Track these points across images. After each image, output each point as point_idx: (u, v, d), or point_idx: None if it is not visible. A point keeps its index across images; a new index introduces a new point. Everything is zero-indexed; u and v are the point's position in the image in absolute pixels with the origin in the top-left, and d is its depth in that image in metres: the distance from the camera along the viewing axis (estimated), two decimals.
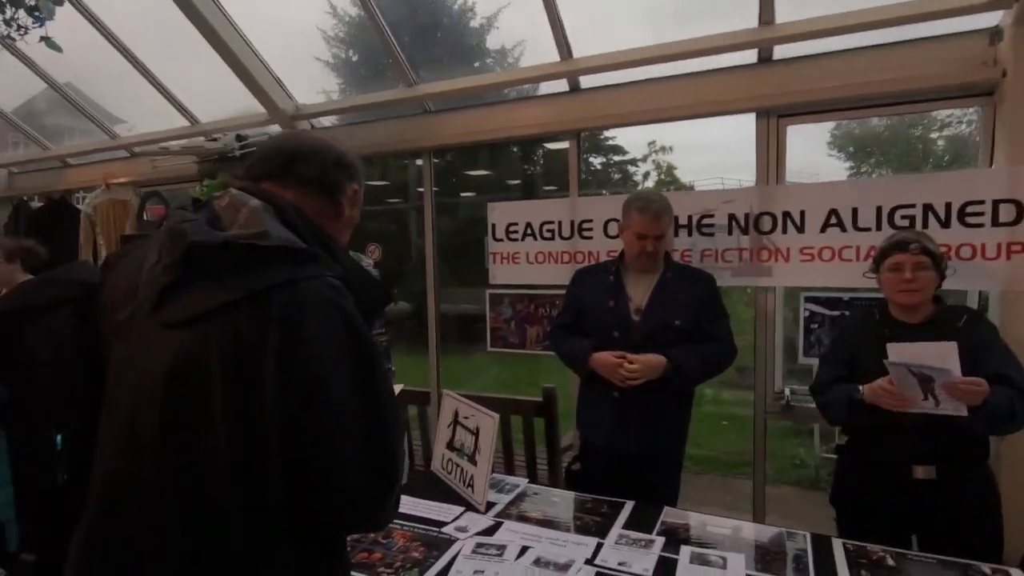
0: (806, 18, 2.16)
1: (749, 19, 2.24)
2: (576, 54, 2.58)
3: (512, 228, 2.77)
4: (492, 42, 6.99)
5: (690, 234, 2.38)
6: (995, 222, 1.91)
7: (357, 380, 0.78)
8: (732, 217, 2.30)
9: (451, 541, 1.56)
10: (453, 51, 6.29)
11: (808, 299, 2.31)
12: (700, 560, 1.44)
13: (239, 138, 3.16)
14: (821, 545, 1.52)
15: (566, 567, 1.42)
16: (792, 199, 2.20)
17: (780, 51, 2.28)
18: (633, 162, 10.70)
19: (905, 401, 1.56)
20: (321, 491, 0.78)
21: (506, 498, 1.85)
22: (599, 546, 1.52)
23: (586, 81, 2.68)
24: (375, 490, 0.81)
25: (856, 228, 2.09)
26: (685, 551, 1.48)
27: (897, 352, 1.53)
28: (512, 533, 1.61)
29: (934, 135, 8.69)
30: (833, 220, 2.12)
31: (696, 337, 1.94)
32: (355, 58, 7.14)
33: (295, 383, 0.74)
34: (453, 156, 7.40)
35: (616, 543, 1.54)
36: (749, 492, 2.53)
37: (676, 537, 1.57)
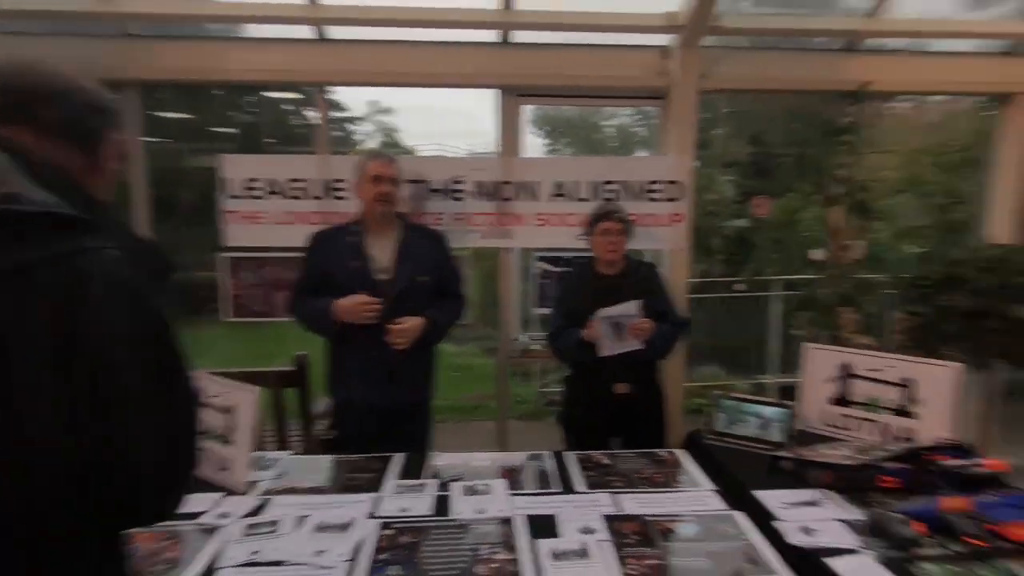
0: (543, 9, 2.45)
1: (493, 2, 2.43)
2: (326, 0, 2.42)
3: (252, 185, 2.50)
4: None
5: (444, 198, 2.53)
6: (666, 198, 2.52)
7: (151, 367, 0.67)
8: (480, 184, 2.52)
9: (213, 530, 1.43)
10: None
11: (539, 258, 2.70)
12: (470, 491, 1.63)
13: None
14: (560, 459, 1.86)
15: (347, 526, 1.45)
16: (529, 171, 2.52)
17: (520, 36, 2.55)
18: (352, 120, 10.48)
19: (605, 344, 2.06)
20: (112, 484, 0.66)
21: (268, 474, 1.76)
22: (377, 500, 1.58)
23: (335, 32, 2.54)
24: (170, 480, 0.72)
25: (576, 199, 2.52)
26: (456, 487, 1.65)
27: (602, 312, 2.03)
28: (284, 507, 1.55)
29: (603, 123, 10.81)
30: (559, 191, 2.52)
31: (437, 292, 2.11)
32: None
33: (78, 378, 0.62)
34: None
35: (393, 494, 1.62)
36: (487, 432, 2.88)
37: (445, 477, 1.73)
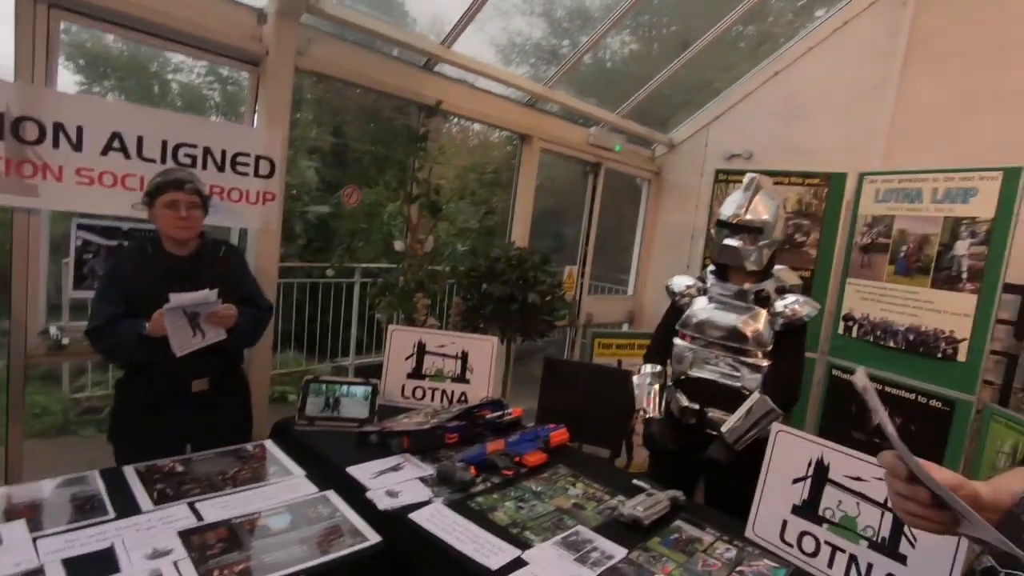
0: None
1: None
2: None
3: None
4: None
5: None
6: (256, 173, 2.33)
7: None
8: None
9: None
10: None
11: (82, 226, 2.08)
12: None
13: None
14: (112, 476, 1.50)
15: None
16: (68, 110, 1.90)
17: None
18: None
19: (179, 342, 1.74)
20: None
21: None
22: None
23: None
24: None
25: (141, 157, 2.05)
26: None
27: (175, 300, 1.67)
28: None
29: (169, 76, 9.16)
30: (117, 144, 1.99)
31: None
32: None
33: None
34: None
35: None
36: None
37: None
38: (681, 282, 2.20)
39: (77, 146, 1.93)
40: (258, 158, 2.32)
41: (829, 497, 1.43)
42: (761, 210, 1.98)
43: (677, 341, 2.12)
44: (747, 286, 2.03)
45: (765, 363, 1.96)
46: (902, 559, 1.29)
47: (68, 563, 1.14)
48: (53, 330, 2.04)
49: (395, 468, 1.69)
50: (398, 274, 2.80)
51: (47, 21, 1.89)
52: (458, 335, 2.37)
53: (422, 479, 1.64)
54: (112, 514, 1.34)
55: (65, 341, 2.06)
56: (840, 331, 3.08)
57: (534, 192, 3.76)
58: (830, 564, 1.39)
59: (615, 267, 4.97)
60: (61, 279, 2.18)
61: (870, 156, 3.38)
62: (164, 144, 2.10)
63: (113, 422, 1.89)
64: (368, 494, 1.52)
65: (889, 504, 0.67)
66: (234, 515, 1.38)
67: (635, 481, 1.73)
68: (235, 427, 1.98)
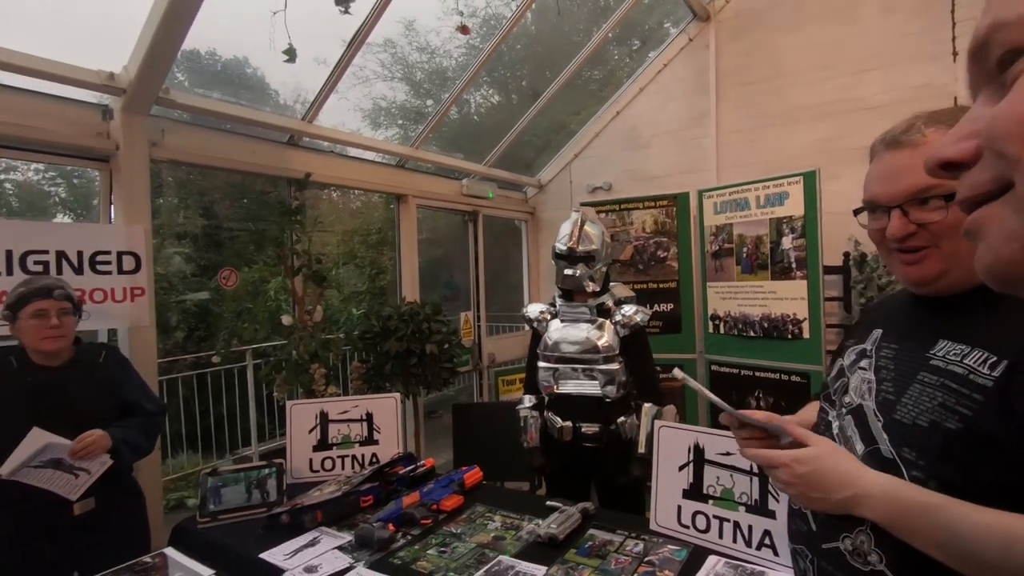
0: None
1: None
2: None
3: None
4: None
5: None
6: (120, 270, 2.24)
7: None
8: None
9: None
10: None
11: None
12: None
13: None
14: None
15: None
16: None
17: None
18: None
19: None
20: None
21: None
22: None
23: None
24: None
25: None
26: None
27: (14, 462, 1.55)
28: None
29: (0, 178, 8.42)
30: None
31: None
32: None
33: None
34: None
35: None
36: None
37: None
38: (535, 309, 2.39)
39: None
40: (120, 254, 2.23)
41: (709, 475, 1.63)
42: (591, 238, 2.24)
43: (540, 364, 2.31)
44: (590, 302, 2.27)
45: (616, 366, 2.19)
46: (772, 514, 1.50)
47: None
48: None
49: (311, 543, 1.67)
50: (291, 348, 2.76)
51: None
52: (359, 398, 2.38)
53: (340, 547, 1.63)
54: None
55: None
56: (710, 330, 3.44)
57: (417, 247, 3.87)
58: (720, 535, 1.57)
59: (510, 305, 5.17)
60: None
61: (707, 175, 3.88)
62: (9, 254, 1.97)
63: None
64: (285, 575, 1.49)
65: (745, 458, 0.90)
66: None
67: (548, 503, 1.83)
68: (126, 545, 1.83)
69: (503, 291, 5.26)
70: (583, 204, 3.90)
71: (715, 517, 1.59)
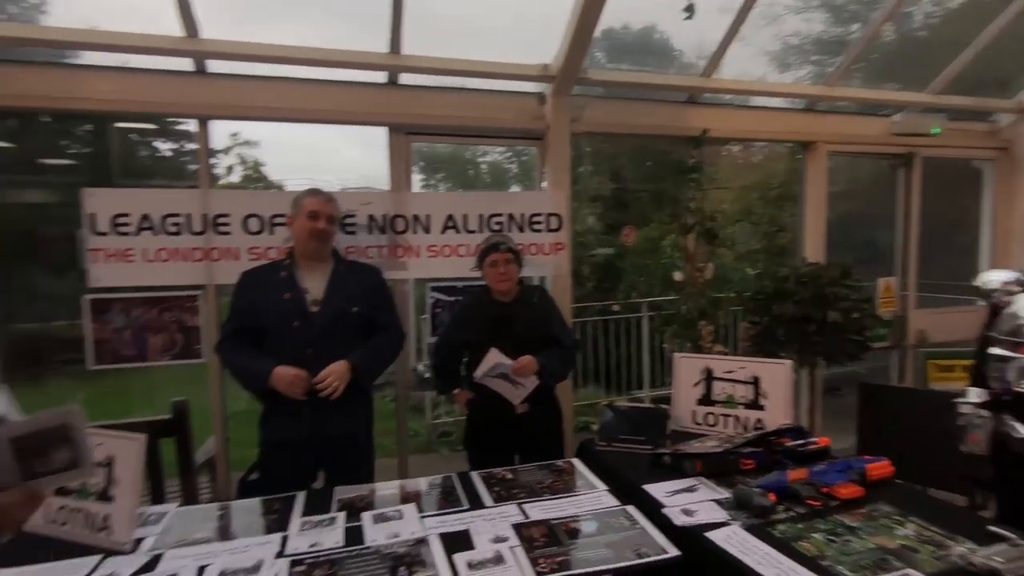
0: (429, 55, 2.61)
1: (381, 46, 2.56)
2: (204, 34, 2.37)
3: (122, 220, 2.32)
4: None
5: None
6: (548, 229, 2.75)
7: None
8: (371, 218, 2.57)
9: None
10: None
11: (433, 288, 2.78)
12: (381, 519, 1.65)
13: None
14: (464, 479, 1.94)
15: (256, 569, 1.40)
16: (420, 205, 2.62)
17: (406, 78, 2.68)
18: (212, 153, 9.77)
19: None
20: None
21: (155, 529, 1.64)
22: (284, 539, 1.54)
23: (212, 66, 2.49)
24: None
25: (467, 231, 2.66)
26: (366, 516, 1.66)
27: (479, 374, 2.15)
28: (180, 560, 1.46)
29: (479, 159, 11.26)
30: (451, 224, 2.65)
31: (371, 324, 2.11)
32: None
33: None
34: None
35: (301, 531, 1.59)
36: (382, 468, 2.83)
37: (354, 508, 1.72)
38: (998, 277, 1.78)
39: (427, 229, 2.62)
40: (548, 215, 2.74)
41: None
42: None
43: (995, 351, 1.70)
44: None
45: None
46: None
47: (443, 537, 1.53)
48: (420, 367, 2.74)
49: (689, 489, 1.75)
50: (681, 304, 2.87)
51: (407, 145, 2.66)
52: (746, 360, 2.30)
53: (717, 501, 1.65)
54: (466, 505, 1.73)
55: (427, 375, 2.73)
56: None
57: (826, 201, 3.40)
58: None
59: (954, 273, 4.02)
60: (420, 330, 2.92)
61: None
62: (481, 217, 2.67)
63: (468, 432, 2.40)
64: (664, 510, 1.61)
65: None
66: (553, 517, 1.63)
67: (991, 528, 1.42)
68: (549, 445, 2.31)
69: (945, 254, 4.13)
70: None
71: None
